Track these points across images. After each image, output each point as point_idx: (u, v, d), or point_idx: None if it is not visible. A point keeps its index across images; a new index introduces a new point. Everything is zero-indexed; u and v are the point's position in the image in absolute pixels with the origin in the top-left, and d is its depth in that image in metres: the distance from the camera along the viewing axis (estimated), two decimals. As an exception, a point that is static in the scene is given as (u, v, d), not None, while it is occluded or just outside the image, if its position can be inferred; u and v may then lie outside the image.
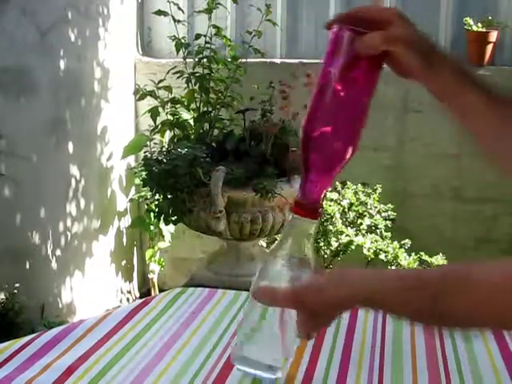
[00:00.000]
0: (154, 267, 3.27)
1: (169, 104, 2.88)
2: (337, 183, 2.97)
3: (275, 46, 3.25)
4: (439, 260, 2.79)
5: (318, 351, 1.06)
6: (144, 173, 2.65)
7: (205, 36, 2.86)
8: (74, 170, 2.84)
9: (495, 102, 0.88)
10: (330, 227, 2.86)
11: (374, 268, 0.82)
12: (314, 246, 0.92)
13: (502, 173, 0.89)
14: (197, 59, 2.86)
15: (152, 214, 2.89)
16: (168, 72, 2.88)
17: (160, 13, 2.86)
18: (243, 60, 2.89)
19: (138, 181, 2.97)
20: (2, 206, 2.48)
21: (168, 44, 3.03)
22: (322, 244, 2.87)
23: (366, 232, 2.90)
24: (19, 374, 0.97)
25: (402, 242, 2.87)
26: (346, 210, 2.93)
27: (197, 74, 2.85)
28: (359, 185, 2.95)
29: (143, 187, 2.83)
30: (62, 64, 2.73)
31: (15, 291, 2.47)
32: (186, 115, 2.89)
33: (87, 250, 2.97)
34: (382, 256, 2.80)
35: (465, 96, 0.87)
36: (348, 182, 2.96)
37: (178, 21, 2.88)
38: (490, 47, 2.96)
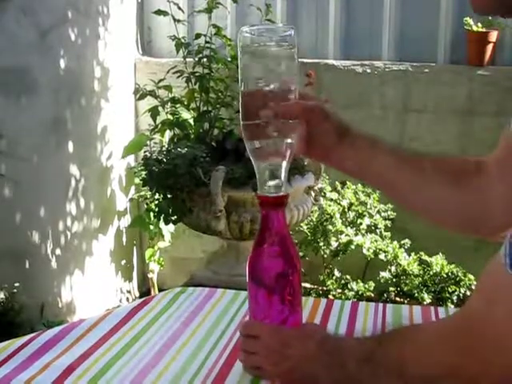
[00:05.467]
0: (154, 267, 3.27)
1: (169, 103, 2.88)
2: (337, 183, 2.97)
3: (275, 46, 3.24)
4: (439, 260, 2.79)
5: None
6: (144, 172, 2.65)
7: (205, 36, 2.86)
8: (74, 169, 2.84)
9: (404, 160, 0.97)
10: (330, 227, 2.87)
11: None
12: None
13: (424, 220, 0.99)
14: (197, 59, 2.86)
15: (152, 214, 2.89)
16: (168, 71, 2.88)
17: (160, 12, 2.86)
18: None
19: (137, 180, 2.96)
20: (2, 206, 2.48)
21: (168, 43, 3.03)
22: (321, 244, 2.87)
23: (366, 232, 2.90)
24: (19, 374, 0.97)
25: (402, 242, 2.87)
26: (346, 209, 2.93)
27: (197, 74, 2.85)
28: (359, 185, 2.95)
29: (143, 187, 2.83)
30: (62, 64, 2.73)
31: (15, 291, 2.47)
32: (186, 115, 2.88)
33: (87, 250, 2.97)
34: (381, 256, 2.81)
35: (377, 160, 0.97)
36: (348, 182, 2.96)
37: (178, 20, 2.88)
38: (490, 47, 2.96)
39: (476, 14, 0.78)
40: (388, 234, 2.90)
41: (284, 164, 0.94)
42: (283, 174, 0.93)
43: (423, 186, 0.97)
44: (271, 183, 0.93)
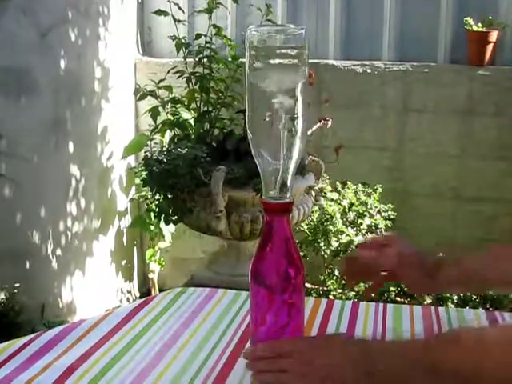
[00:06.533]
0: (155, 267, 3.27)
1: (169, 104, 2.88)
2: (337, 183, 2.97)
3: (275, 46, 3.24)
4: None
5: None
6: (144, 173, 2.65)
7: (205, 36, 2.86)
8: (74, 169, 2.84)
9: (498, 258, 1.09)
10: (331, 227, 2.86)
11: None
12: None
13: None
14: (197, 59, 2.86)
15: (152, 214, 2.89)
16: (168, 72, 2.88)
17: (160, 13, 2.86)
18: (243, 60, 2.88)
19: (138, 181, 2.97)
20: (2, 206, 2.48)
21: (168, 44, 3.03)
22: (322, 244, 2.87)
23: (367, 232, 2.90)
24: (19, 374, 0.97)
25: (403, 242, 2.86)
26: (347, 209, 2.93)
27: (197, 74, 2.85)
28: (359, 185, 2.95)
29: (143, 187, 2.83)
30: (62, 64, 2.73)
31: (15, 291, 2.47)
32: (187, 115, 2.88)
33: (87, 250, 2.97)
34: (382, 256, 2.80)
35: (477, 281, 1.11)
36: (348, 182, 2.96)
37: (179, 20, 2.88)
38: (490, 47, 2.96)
39: None
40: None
41: (290, 172, 0.93)
42: (289, 181, 0.92)
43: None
44: (276, 190, 0.92)
